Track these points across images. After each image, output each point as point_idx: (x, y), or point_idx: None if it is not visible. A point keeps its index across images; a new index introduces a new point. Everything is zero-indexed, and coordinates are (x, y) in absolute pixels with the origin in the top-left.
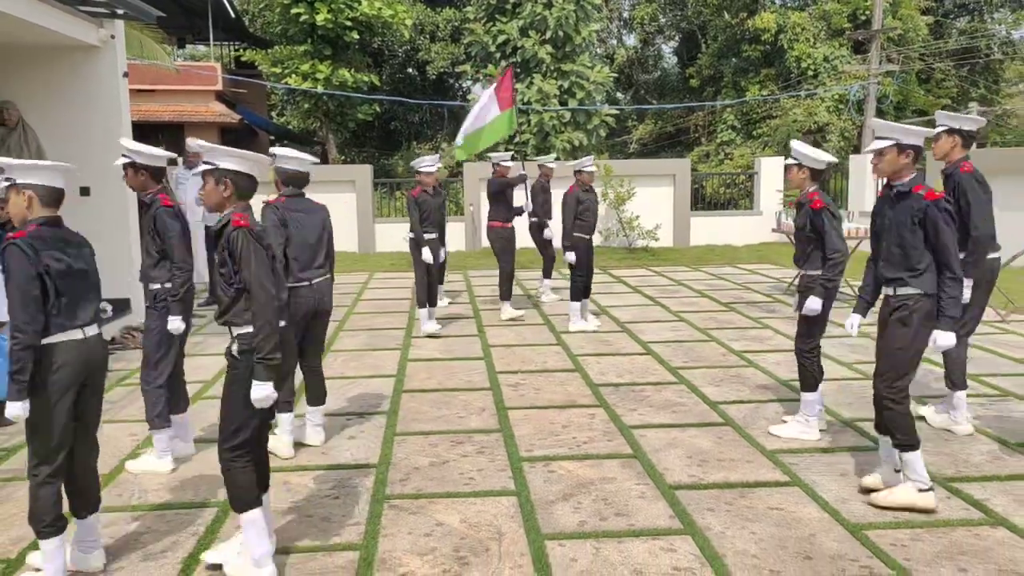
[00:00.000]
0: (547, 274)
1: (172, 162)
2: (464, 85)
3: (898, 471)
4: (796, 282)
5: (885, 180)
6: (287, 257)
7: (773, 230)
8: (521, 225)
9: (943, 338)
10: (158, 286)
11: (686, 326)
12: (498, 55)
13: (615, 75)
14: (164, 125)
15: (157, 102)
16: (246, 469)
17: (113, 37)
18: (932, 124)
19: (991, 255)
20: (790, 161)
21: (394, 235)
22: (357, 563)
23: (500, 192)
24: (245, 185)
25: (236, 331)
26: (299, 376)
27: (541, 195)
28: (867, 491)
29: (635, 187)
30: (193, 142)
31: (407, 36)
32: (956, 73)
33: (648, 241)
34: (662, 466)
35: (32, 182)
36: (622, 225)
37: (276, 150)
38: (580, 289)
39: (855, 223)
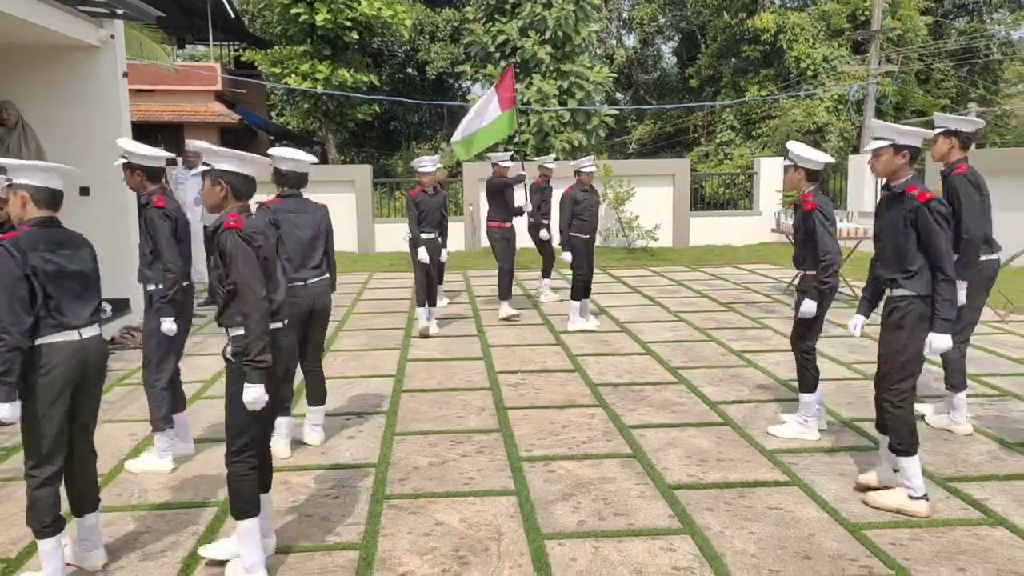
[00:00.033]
0: (546, 274)
1: (172, 162)
2: (464, 85)
3: (896, 471)
4: (796, 282)
5: (884, 181)
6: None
7: (772, 230)
8: (521, 225)
9: (938, 341)
10: (154, 287)
11: (685, 326)
12: (497, 55)
13: (614, 75)
14: (164, 125)
15: (157, 102)
16: (249, 477)
17: (113, 37)
18: (931, 125)
19: (989, 256)
20: (787, 162)
21: (393, 235)
22: (357, 562)
23: (498, 192)
24: (241, 186)
25: (231, 332)
26: (298, 376)
27: (538, 195)
28: (863, 488)
29: (634, 187)
30: (192, 143)
31: (407, 36)
32: (955, 73)
33: (647, 241)
34: (661, 466)
35: (25, 182)
36: (621, 225)
37: (273, 151)
38: (580, 289)
39: (854, 223)
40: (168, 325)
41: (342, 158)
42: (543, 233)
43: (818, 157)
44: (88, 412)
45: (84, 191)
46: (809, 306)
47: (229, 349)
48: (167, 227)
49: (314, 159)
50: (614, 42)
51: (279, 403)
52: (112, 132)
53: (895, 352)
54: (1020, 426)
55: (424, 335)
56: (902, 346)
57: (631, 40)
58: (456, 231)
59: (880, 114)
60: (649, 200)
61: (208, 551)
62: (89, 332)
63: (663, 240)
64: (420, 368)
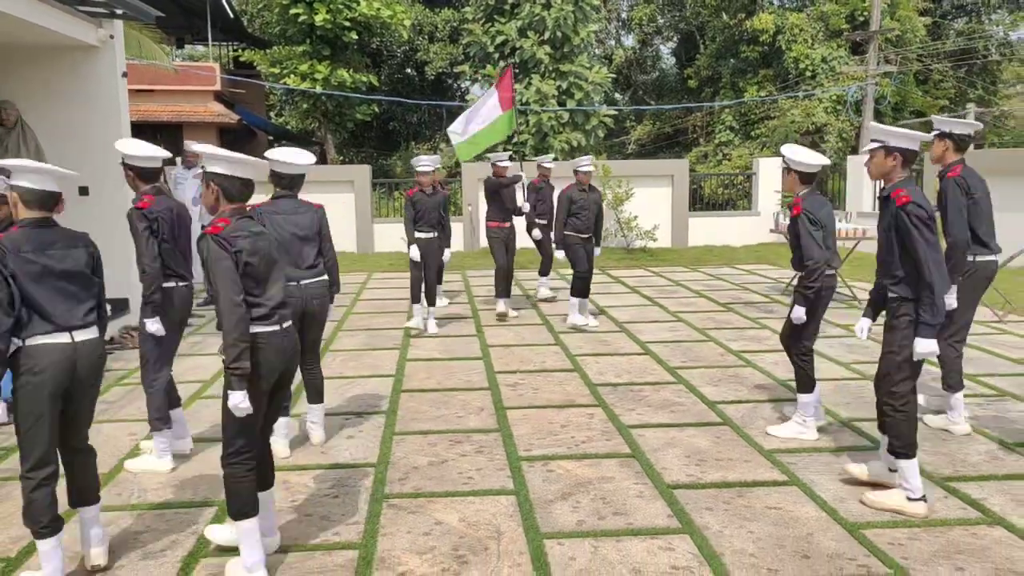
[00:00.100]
0: (543, 272)
1: (171, 162)
2: (463, 85)
3: (893, 471)
4: (795, 283)
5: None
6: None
7: (771, 231)
8: (521, 225)
9: (921, 345)
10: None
11: (684, 326)
12: (496, 56)
13: (613, 76)
14: (163, 125)
15: (156, 102)
16: (245, 479)
17: (112, 37)
18: (929, 125)
19: (986, 257)
20: (783, 164)
21: (392, 235)
22: (356, 562)
23: (495, 192)
24: (231, 188)
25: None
26: (297, 376)
27: (533, 195)
28: (853, 480)
29: (633, 188)
30: (186, 145)
31: (406, 36)
32: (954, 74)
33: (646, 241)
34: (660, 465)
35: (15, 184)
36: (620, 225)
37: (269, 152)
38: (579, 287)
39: (852, 223)
40: (151, 326)
41: (341, 158)
42: (535, 233)
43: (811, 160)
44: (84, 415)
45: (83, 191)
46: (798, 312)
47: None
48: (143, 227)
49: (313, 158)
50: (613, 42)
51: (277, 403)
52: (111, 132)
53: (892, 352)
54: (1018, 426)
55: (410, 327)
56: (898, 346)
57: (630, 40)
58: (455, 231)
59: (879, 115)
60: (648, 200)
61: (213, 532)
62: (83, 335)
63: (662, 240)
64: (419, 368)
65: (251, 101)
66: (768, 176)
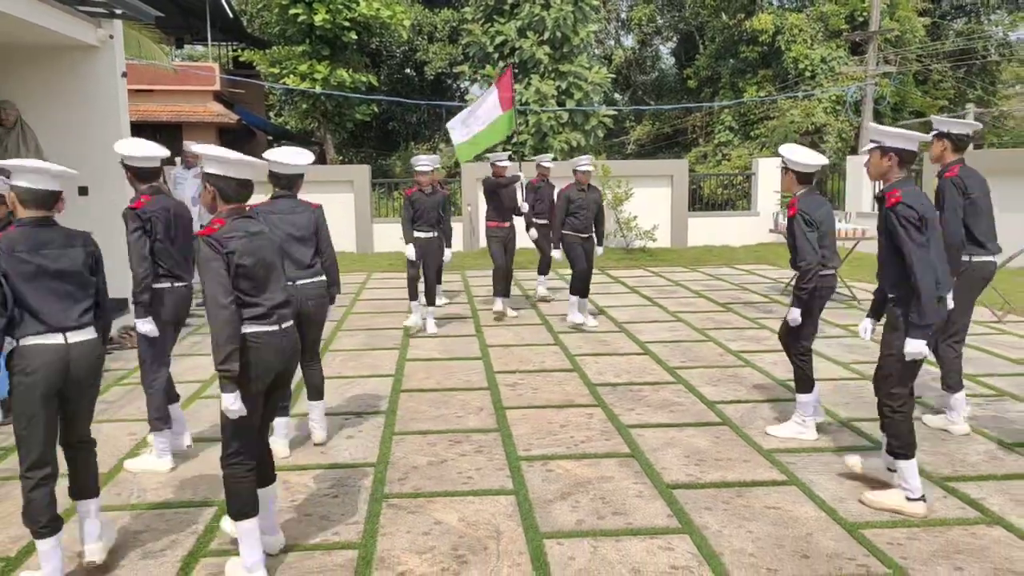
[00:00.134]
0: (542, 271)
1: (170, 161)
2: (462, 86)
3: (892, 471)
4: (793, 283)
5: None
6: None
7: (771, 231)
8: (521, 225)
9: (910, 346)
10: None
11: (684, 326)
12: (496, 56)
13: (613, 76)
14: (162, 125)
15: (155, 102)
16: (244, 480)
17: (112, 37)
18: (929, 126)
19: (985, 257)
20: (781, 165)
21: (392, 235)
22: (356, 561)
23: (494, 192)
24: (227, 189)
25: None
26: (297, 375)
27: (532, 194)
28: (848, 473)
29: (633, 188)
30: (185, 145)
31: (405, 37)
32: (953, 74)
33: (646, 242)
34: (660, 465)
35: (15, 184)
36: (620, 226)
37: (268, 152)
38: (578, 287)
39: (852, 224)
40: (142, 327)
41: (340, 158)
42: (532, 232)
43: (809, 160)
44: (83, 414)
45: (83, 191)
46: (794, 314)
47: None
48: (135, 227)
49: (311, 158)
50: (612, 43)
51: (273, 403)
52: (111, 132)
53: (891, 353)
54: (1017, 426)
55: (410, 326)
56: (892, 348)
57: (629, 41)
58: (454, 231)
59: (878, 115)
60: (647, 201)
61: (226, 524)
62: (77, 335)
63: (661, 240)
64: (419, 368)
65: (250, 101)
66: (767, 176)
